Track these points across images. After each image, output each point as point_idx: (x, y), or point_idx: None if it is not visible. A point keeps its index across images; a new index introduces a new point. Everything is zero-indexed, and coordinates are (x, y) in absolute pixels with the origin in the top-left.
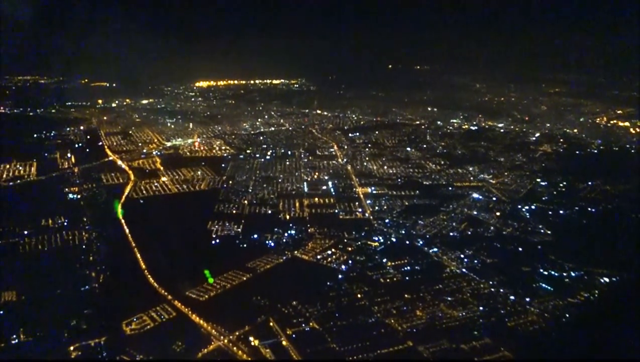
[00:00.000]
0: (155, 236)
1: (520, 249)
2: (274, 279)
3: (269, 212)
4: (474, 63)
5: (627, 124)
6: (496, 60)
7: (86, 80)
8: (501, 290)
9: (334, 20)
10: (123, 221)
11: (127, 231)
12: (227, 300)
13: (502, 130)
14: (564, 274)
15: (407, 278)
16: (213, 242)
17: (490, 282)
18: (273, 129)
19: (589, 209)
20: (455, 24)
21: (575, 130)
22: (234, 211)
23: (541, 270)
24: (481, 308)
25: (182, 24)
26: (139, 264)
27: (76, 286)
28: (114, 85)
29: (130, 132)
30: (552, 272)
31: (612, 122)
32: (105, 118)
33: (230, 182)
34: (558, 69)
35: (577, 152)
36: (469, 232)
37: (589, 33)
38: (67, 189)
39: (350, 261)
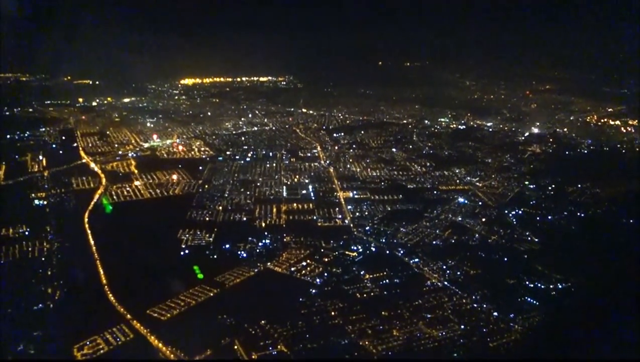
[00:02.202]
0: (121, 247)
1: (505, 258)
2: (243, 295)
3: (244, 219)
4: (465, 60)
5: (617, 122)
6: (487, 57)
7: (69, 77)
8: (484, 305)
9: (325, 16)
10: (89, 230)
11: (91, 241)
12: (191, 319)
13: (490, 130)
14: (551, 286)
15: (385, 292)
16: (182, 253)
17: (473, 297)
18: (256, 128)
19: (578, 214)
20: (447, 20)
21: (565, 130)
22: (207, 218)
23: (527, 282)
24: (462, 326)
25: (169, 20)
26: (100, 279)
27: (29, 304)
28: (97, 83)
29: (107, 132)
30: (538, 284)
31: (602, 120)
32: (83, 118)
33: (206, 186)
34: (549, 66)
35: (567, 152)
36: (453, 240)
37: (580, 30)
38: (33, 195)
39: (325, 274)
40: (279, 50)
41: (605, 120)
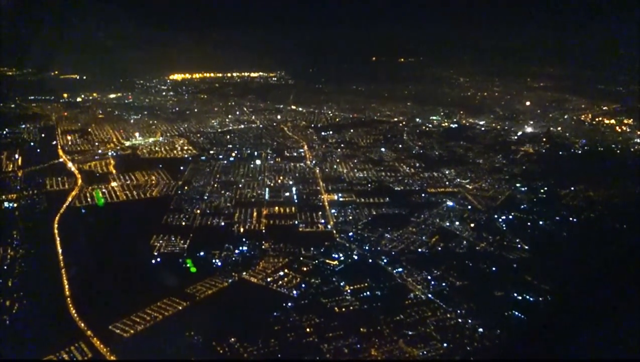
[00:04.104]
0: (90, 254)
1: (493, 268)
2: (214, 309)
3: (222, 223)
4: (460, 55)
5: (612, 121)
6: (482, 53)
7: (56, 72)
8: (469, 321)
9: (318, 10)
10: (57, 236)
11: (59, 248)
12: (155, 336)
13: (483, 129)
14: (540, 298)
15: (365, 306)
16: (154, 261)
17: (458, 311)
18: (243, 126)
19: (571, 218)
20: (441, 15)
21: (559, 129)
22: (184, 223)
23: (515, 294)
24: (445, 344)
25: (159, 15)
26: (64, 290)
27: None
28: (85, 77)
29: (89, 129)
30: (527, 297)
31: (597, 119)
32: (65, 114)
33: (186, 188)
34: (544, 62)
35: (560, 152)
36: (439, 248)
37: (575, 25)
38: (3, 196)
39: (303, 285)
40: (271, 46)
41: (600, 119)
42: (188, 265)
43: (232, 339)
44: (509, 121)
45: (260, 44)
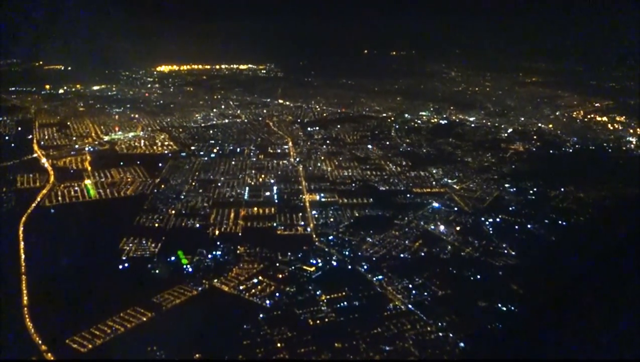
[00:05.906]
0: (54, 258)
1: (478, 276)
2: (180, 321)
3: (197, 225)
4: (452, 49)
5: (604, 118)
6: (474, 47)
7: (40, 62)
8: (450, 335)
9: (310, 2)
10: (22, 239)
11: (22, 252)
12: (115, 351)
13: (472, 125)
14: (525, 309)
15: (341, 318)
16: (121, 266)
17: (439, 324)
18: (227, 121)
19: (560, 222)
20: (434, 9)
21: (550, 126)
22: (157, 224)
23: (499, 305)
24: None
25: (148, 4)
26: (22, 299)
27: None
28: (69, 68)
29: (68, 123)
30: (512, 308)
31: (589, 116)
32: (45, 106)
33: (163, 186)
34: (535, 57)
35: (551, 151)
36: (422, 254)
37: (568, 20)
38: None
39: (277, 294)
40: (261, 38)
41: (592, 116)
42: (180, 257)
43: (197, 355)
44: (499, 117)
45: (250, 36)
